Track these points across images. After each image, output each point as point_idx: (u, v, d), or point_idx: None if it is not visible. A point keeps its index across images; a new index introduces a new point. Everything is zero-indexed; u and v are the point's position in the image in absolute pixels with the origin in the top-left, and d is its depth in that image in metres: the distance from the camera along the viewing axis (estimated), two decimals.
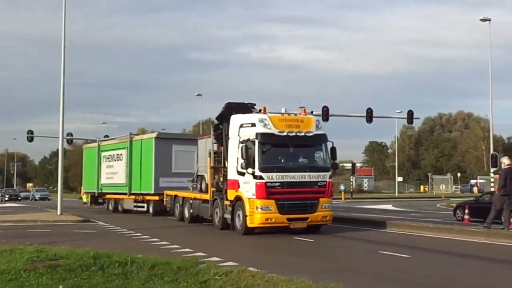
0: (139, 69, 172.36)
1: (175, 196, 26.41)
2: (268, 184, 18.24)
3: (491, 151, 42.14)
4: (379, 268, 12.11)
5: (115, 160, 34.27)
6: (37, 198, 70.08)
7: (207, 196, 22.06)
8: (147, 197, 30.51)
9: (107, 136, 67.91)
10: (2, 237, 17.55)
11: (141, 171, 30.82)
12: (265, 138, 18.57)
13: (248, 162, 18.35)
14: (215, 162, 21.71)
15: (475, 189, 78.14)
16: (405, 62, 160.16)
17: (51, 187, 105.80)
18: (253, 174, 18.33)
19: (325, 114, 39.16)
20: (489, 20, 40.38)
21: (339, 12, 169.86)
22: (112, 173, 34.47)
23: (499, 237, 17.26)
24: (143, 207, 31.17)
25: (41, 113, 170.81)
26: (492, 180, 41.22)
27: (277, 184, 18.37)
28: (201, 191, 23.49)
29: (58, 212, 29.09)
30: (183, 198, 25.34)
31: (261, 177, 18.28)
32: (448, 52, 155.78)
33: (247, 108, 20.48)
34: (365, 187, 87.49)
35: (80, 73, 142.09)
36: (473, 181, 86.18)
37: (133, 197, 31.92)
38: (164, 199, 27.62)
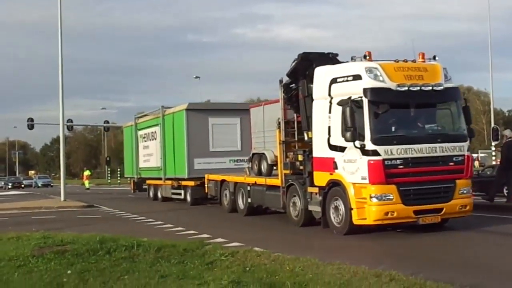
0: (136, 54, 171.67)
1: (222, 181, 21.13)
2: (386, 162, 12.89)
3: (492, 125, 42.20)
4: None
5: (150, 140, 29.22)
6: (39, 185, 70.25)
7: (276, 181, 16.67)
8: (183, 183, 25.40)
9: (107, 121, 68.54)
10: (8, 224, 17.64)
11: (175, 151, 25.60)
12: (378, 95, 13.13)
13: (353, 131, 12.91)
14: (287, 135, 16.44)
15: (476, 163, 78.16)
16: (402, 37, 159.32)
17: (53, 174, 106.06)
18: (362, 148, 12.93)
19: None
20: None
21: None
22: (149, 154, 29.37)
23: (501, 210, 17.31)
24: (180, 194, 26.01)
25: (40, 100, 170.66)
26: (493, 153, 41.28)
27: (399, 161, 13.04)
28: (259, 173, 18.50)
29: (62, 198, 29.21)
30: (236, 183, 19.98)
31: (375, 153, 12.86)
32: (446, 26, 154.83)
33: (329, 59, 15.23)
34: None
35: (78, 59, 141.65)
36: (474, 155, 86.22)
37: (169, 182, 26.79)
38: (206, 185, 22.55)
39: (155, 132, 28.10)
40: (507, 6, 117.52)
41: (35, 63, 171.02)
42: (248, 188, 18.78)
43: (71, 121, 56.48)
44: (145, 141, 29.93)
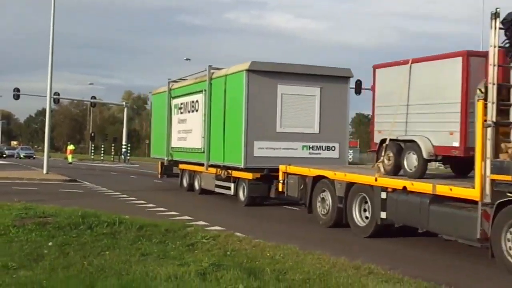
0: (126, 31, 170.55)
1: (318, 178, 14.25)
2: None
3: None
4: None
5: (189, 111, 21.87)
6: (22, 156, 69.74)
7: (465, 192, 10.09)
8: (235, 173, 18.37)
9: (94, 97, 68.21)
10: None
11: (225, 129, 18.55)
12: None
13: None
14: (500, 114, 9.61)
15: None
16: (394, 34, 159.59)
17: (36, 146, 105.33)
18: None
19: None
20: None
21: None
22: (185, 131, 22.10)
23: None
24: (229, 188, 18.94)
25: (27, 71, 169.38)
26: None
27: None
28: (395, 172, 12.26)
29: (44, 171, 29.10)
30: (351, 185, 13.05)
31: None
32: (439, 25, 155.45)
33: None
34: (350, 159, 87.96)
35: (67, 33, 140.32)
36: None
37: (213, 170, 19.62)
38: (281, 180, 15.83)
39: (197, 101, 20.96)
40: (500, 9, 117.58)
41: (23, 33, 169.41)
42: (384, 195, 11.90)
43: (58, 94, 56.02)
44: (181, 112, 22.67)
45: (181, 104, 22.70)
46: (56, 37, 29.08)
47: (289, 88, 17.73)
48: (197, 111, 20.99)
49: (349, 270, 8.06)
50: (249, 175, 17.59)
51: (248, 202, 17.93)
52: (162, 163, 24.90)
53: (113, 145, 68.49)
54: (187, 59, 76.00)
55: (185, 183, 23.02)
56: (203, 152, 20.01)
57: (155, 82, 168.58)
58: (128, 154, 64.22)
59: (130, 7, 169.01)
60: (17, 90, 53.37)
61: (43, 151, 37.41)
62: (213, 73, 19.81)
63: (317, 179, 14.22)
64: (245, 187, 18.06)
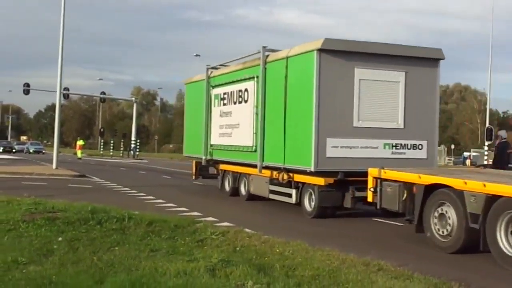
0: (136, 27, 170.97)
1: (439, 186, 10.91)
2: None
3: (487, 124, 42.35)
4: (370, 233, 12.25)
5: (234, 102, 18.36)
6: (31, 151, 70.03)
7: None
8: (299, 178, 15.15)
9: (103, 93, 68.30)
10: None
11: (286, 123, 15.17)
12: None
13: None
14: None
15: (468, 162, 78.52)
16: (404, 31, 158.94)
17: (45, 141, 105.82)
18: None
19: None
20: None
21: None
22: (230, 126, 18.60)
23: None
24: (289, 195, 15.61)
25: (37, 66, 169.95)
26: (486, 153, 41.45)
27: None
28: None
29: (54, 166, 29.21)
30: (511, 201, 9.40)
31: None
32: (449, 23, 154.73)
33: None
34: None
35: (78, 29, 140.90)
36: (466, 154, 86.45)
37: (267, 173, 16.41)
38: (371, 188, 12.48)
39: (246, 90, 17.49)
40: (510, 8, 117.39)
41: (34, 27, 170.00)
42: None
43: (68, 90, 56.15)
44: (224, 104, 19.10)
45: (224, 94, 19.02)
46: (66, 32, 29.19)
47: (368, 73, 14.43)
48: (246, 102, 17.49)
49: (358, 266, 8.04)
50: (320, 181, 14.15)
51: (318, 214, 14.46)
52: (197, 163, 21.68)
53: (122, 140, 68.62)
54: (196, 55, 76.08)
55: (227, 186, 19.67)
56: (255, 151, 16.59)
57: (164, 77, 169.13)
58: (137, 150, 64.34)
59: (140, 3, 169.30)
60: (27, 85, 53.63)
61: (52, 146, 37.56)
62: (267, 55, 16.27)
63: (432, 188, 10.98)
64: (314, 195, 14.55)
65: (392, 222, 13.65)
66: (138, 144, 65.45)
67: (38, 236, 9.43)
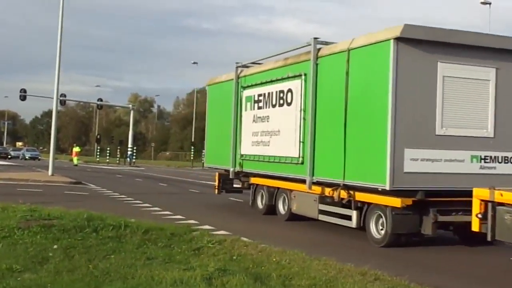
0: (134, 34, 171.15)
1: None
2: None
3: None
4: (367, 242, 12.23)
5: (273, 105, 15.75)
6: (27, 157, 69.90)
7: None
8: (365, 197, 12.44)
9: (100, 99, 68.20)
10: None
11: (347, 130, 12.54)
12: None
13: None
14: None
15: None
16: None
17: (41, 147, 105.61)
18: None
19: None
20: (490, 3, 40.37)
21: None
22: (267, 132, 15.99)
23: None
24: (347, 217, 12.94)
25: (34, 72, 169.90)
26: None
27: None
28: None
29: (50, 173, 29.12)
30: None
31: None
32: None
33: None
34: None
35: (75, 34, 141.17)
36: None
37: (318, 189, 13.73)
38: (478, 214, 9.95)
39: (289, 91, 14.86)
40: (507, 20, 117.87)
41: (31, 32, 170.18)
42: None
43: (65, 96, 56.19)
44: (259, 107, 16.53)
45: (259, 96, 16.41)
46: (64, 38, 29.24)
47: (453, 68, 11.83)
48: (289, 104, 14.84)
49: (355, 276, 7.99)
50: (395, 202, 11.48)
51: (390, 242, 11.77)
52: (221, 175, 19.13)
53: (118, 147, 68.60)
54: (194, 63, 76.32)
55: (260, 203, 17.04)
56: (301, 163, 14.00)
57: (162, 85, 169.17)
58: (134, 157, 64.28)
59: (138, 10, 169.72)
60: (23, 91, 53.55)
61: (48, 153, 37.47)
62: (319, 49, 13.73)
63: None
64: (385, 219, 11.81)
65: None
66: (134, 151, 65.40)
67: (33, 244, 9.37)
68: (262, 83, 16.29)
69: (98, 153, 71.29)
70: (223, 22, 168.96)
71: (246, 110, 17.19)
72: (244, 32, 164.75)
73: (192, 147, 68.29)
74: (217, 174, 19.35)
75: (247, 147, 17.10)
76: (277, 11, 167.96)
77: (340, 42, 13.26)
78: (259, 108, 16.44)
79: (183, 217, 14.96)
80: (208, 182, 32.20)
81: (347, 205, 12.81)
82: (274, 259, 8.89)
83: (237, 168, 17.70)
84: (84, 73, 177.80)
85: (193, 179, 36.73)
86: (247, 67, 17.78)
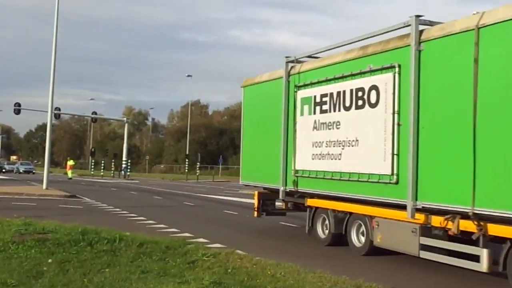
0: (129, 47, 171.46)
1: None
2: None
3: None
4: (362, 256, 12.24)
5: (346, 108, 12.57)
6: (21, 171, 69.71)
7: None
8: (506, 231, 8.89)
9: (95, 113, 68.23)
10: None
11: (478, 138, 9.18)
12: None
13: None
14: None
15: None
16: None
17: (35, 161, 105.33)
18: None
19: None
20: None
21: None
22: (335, 143, 12.80)
23: None
24: (472, 257, 9.43)
25: (28, 86, 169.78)
26: None
27: None
28: None
29: (44, 186, 29.03)
30: None
31: None
32: None
33: None
34: None
35: (69, 48, 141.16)
36: None
37: (421, 217, 10.38)
38: None
39: (373, 88, 11.70)
40: None
41: (25, 46, 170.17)
42: None
43: (59, 109, 56.16)
44: (322, 110, 13.22)
45: (323, 96, 13.02)
46: (58, 51, 29.23)
47: None
48: (373, 106, 11.60)
49: None
50: None
51: None
52: (261, 194, 16.16)
53: (113, 160, 68.51)
54: (188, 76, 76.41)
55: (321, 231, 13.49)
56: (396, 182, 10.93)
57: (156, 97, 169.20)
58: (129, 170, 64.17)
59: (133, 23, 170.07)
60: (18, 104, 53.55)
61: (42, 166, 37.40)
62: (421, 31, 10.53)
63: None
64: None
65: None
66: (129, 164, 65.30)
67: (28, 258, 9.35)
68: (327, 81, 12.92)
69: (92, 167, 71.12)
70: (218, 35, 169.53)
71: (302, 114, 13.74)
72: (239, 45, 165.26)
73: (187, 160, 68.37)
74: (256, 193, 16.30)
75: (304, 161, 13.61)
76: (272, 24, 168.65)
77: (459, 20, 9.91)
78: (323, 111, 12.98)
79: (178, 230, 14.94)
80: (201, 195, 32.34)
81: (466, 240, 9.62)
82: (269, 272, 8.89)
83: (289, 187, 14.24)
84: (79, 86, 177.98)
85: (188, 191, 36.70)
86: (300, 62, 14.41)
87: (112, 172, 66.43)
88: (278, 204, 16.23)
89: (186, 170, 67.62)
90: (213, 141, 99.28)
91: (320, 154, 13.07)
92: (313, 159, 13.29)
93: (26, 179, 48.08)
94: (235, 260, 9.82)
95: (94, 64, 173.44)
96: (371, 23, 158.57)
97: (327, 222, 13.27)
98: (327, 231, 13.32)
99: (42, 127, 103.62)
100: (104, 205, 22.93)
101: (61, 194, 27.05)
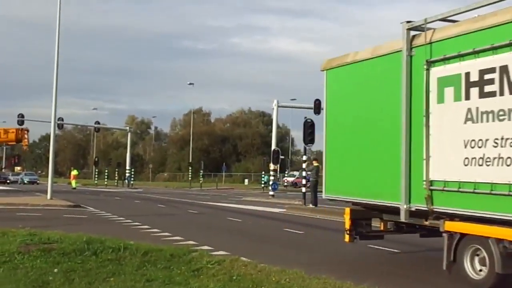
0: (130, 56, 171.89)
1: None
2: None
3: None
4: (369, 262, 12.25)
5: None
6: (25, 182, 69.89)
7: None
8: None
9: (98, 122, 68.37)
10: None
11: None
12: None
13: None
14: None
15: None
16: None
17: (39, 171, 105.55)
18: None
19: (317, 107, 39.27)
20: None
21: (332, 5, 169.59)
22: None
23: None
24: None
25: (30, 97, 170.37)
26: None
27: None
28: None
29: (48, 197, 29.11)
30: None
31: None
32: None
33: None
34: None
35: (71, 58, 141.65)
36: None
37: None
38: None
39: None
40: None
41: (27, 58, 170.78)
42: None
43: (62, 120, 56.38)
44: (484, 94, 8.80)
45: (485, 72, 8.81)
46: (61, 62, 29.37)
47: None
48: None
49: None
50: None
51: None
52: (353, 212, 12.03)
53: (116, 170, 68.63)
54: (190, 84, 76.63)
55: (472, 268, 9.16)
56: None
57: (158, 106, 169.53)
58: (132, 179, 64.25)
59: (134, 32, 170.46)
60: (21, 116, 53.83)
61: (46, 177, 37.48)
62: None
63: None
64: None
65: (388, 249, 13.63)
66: (132, 173, 65.38)
67: (34, 268, 9.39)
68: (492, 49, 8.71)
69: (96, 176, 71.28)
70: (219, 42, 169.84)
71: (442, 101, 9.59)
72: (240, 52, 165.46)
73: (190, 168, 68.42)
74: (347, 211, 12.04)
75: (448, 168, 9.46)
76: (272, 31, 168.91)
77: None
78: (486, 95, 8.81)
79: (182, 238, 14.96)
80: (205, 203, 32.39)
81: None
82: (273, 279, 8.90)
83: (417, 204, 10.01)
84: (81, 96, 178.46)
85: (192, 199, 36.73)
86: (428, 29, 10.01)
87: (116, 181, 66.54)
88: (375, 224, 12.55)
89: (190, 178, 67.70)
90: (216, 148, 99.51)
91: (481, 158, 8.83)
92: (466, 165, 9.07)
93: (30, 189, 48.19)
94: (240, 267, 9.84)
95: (95, 74, 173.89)
96: (370, 28, 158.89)
97: (484, 256, 8.92)
98: (485, 269, 8.93)
99: (46, 138, 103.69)
100: (108, 214, 22.98)
101: (66, 204, 27.12)
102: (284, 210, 27.14)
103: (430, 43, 9.84)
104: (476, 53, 8.93)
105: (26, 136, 44.67)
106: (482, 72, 8.86)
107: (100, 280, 8.63)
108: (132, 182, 63.57)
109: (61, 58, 29.35)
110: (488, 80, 8.78)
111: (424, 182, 9.72)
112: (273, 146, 41.77)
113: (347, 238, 11.95)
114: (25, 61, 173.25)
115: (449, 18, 9.87)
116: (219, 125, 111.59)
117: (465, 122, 9.14)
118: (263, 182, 54.45)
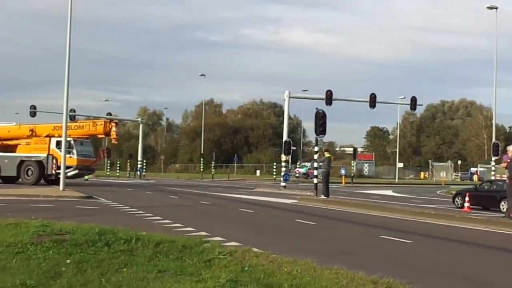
0: (142, 47, 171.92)
1: None
2: None
3: (493, 140, 42.28)
4: (380, 252, 12.21)
5: None
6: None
7: None
8: None
9: (109, 114, 68.40)
10: (6, 211, 17.65)
11: None
12: None
13: None
14: None
15: (475, 177, 78.50)
16: (410, 48, 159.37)
17: None
18: None
19: (329, 98, 39.27)
20: (496, 8, 40.37)
21: None
22: None
23: (499, 225, 17.38)
24: None
25: (43, 88, 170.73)
26: (493, 168, 41.33)
27: None
28: None
29: (61, 188, 29.21)
30: None
31: None
32: (453, 40, 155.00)
33: None
34: (366, 172, 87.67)
35: (83, 49, 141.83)
36: (473, 169, 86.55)
37: None
38: None
39: None
40: None
41: (40, 50, 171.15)
42: None
43: (74, 111, 56.46)
44: None
45: None
46: (73, 54, 29.34)
47: None
48: None
49: (367, 285, 7.99)
50: None
51: None
52: None
53: (128, 161, 68.82)
54: (202, 75, 76.60)
55: None
56: None
57: (170, 97, 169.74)
58: (144, 170, 64.40)
59: (147, 24, 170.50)
60: (33, 107, 54.08)
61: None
62: None
63: None
64: None
65: (401, 240, 13.61)
66: (144, 164, 65.55)
67: (46, 259, 9.43)
68: None
69: (108, 167, 71.49)
70: (231, 34, 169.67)
71: None
72: (252, 44, 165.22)
73: (202, 159, 68.50)
74: None
75: None
76: (285, 22, 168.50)
77: None
78: None
79: (194, 229, 14.96)
80: (217, 194, 32.42)
81: None
82: (285, 269, 8.89)
83: None
84: (93, 87, 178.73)
85: (203, 190, 36.79)
86: None
87: (128, 172, 66.74)
88: None
89: (201, 169, 67.79)
90: (228, 139, 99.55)
91: None
92: None
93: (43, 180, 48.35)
94: (252, 258, 9.84)
95: (107, 65, 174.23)
96: (383, 19, 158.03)
97: None
98: None
99: None
100: (121, 205, 23.03)
101: (78, 195, 27.20)
102: (296, 201, 27.20)
103: None
104: None
105: (114, 129, 42.58)
106: None
107: (112, 271, 8.64)
108: (144, 173, 63.74)
109: (73, 49, 29.40)
110: None
111: None
112: (285, 137, 41.68)
113: None
114: (37, 53, 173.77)
115: None
116: (230, 117, 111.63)
117: None
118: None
